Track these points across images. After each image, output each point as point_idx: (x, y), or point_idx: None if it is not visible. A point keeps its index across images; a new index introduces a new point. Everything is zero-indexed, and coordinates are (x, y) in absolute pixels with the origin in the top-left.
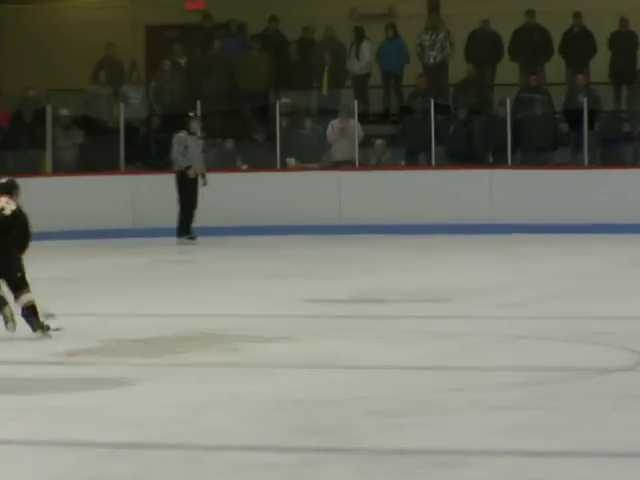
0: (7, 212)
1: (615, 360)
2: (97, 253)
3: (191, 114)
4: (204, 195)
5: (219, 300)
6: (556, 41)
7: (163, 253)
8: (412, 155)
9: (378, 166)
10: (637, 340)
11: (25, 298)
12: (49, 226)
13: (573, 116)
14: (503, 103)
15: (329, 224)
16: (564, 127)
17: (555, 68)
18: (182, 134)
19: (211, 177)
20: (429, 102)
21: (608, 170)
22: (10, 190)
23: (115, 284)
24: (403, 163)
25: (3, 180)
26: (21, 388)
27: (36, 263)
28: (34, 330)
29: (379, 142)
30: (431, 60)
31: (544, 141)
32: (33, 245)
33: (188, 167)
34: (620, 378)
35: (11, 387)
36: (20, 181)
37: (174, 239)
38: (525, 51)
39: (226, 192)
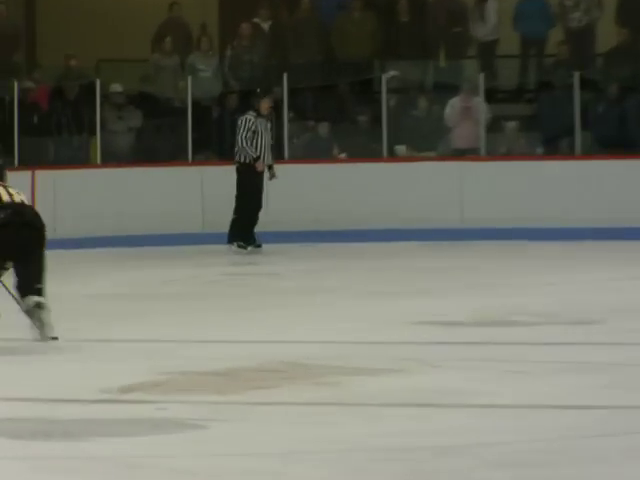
0: (27, 202)
1: None
2: (156, 264)
3: (260, 90)
4: (287, 191)
5: (309, 323)
6: None
7: (238, 264)
8: (551, 141)
9: (509, 155)
10: None
11: (31, 299)
12: (96, 230)
13: None
14: None
15: (447, 227)
16: None
17: None
18: (251, 116)
19: (301, 169)
20: (573, 76)
21: None
22: (2, 176)
23: (179, 302)
24: (540, 151)
25: None
26: (61, 432)
27: (79, 276)
28: (41, 338)
29: (511, 125)
30: (575, 24)
31: None
32: (75, 254)
33: (256, 159)
34: None
35: (48, 431)
36: (62, 173)
37: (252, 247)
38: None
39: (318, 187)
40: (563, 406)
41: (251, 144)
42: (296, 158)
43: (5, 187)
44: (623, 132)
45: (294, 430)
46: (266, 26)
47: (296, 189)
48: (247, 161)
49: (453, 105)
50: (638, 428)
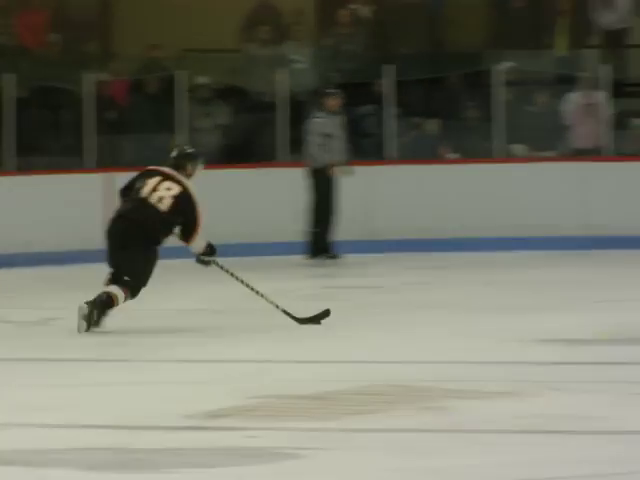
0: (163, 206)
1: None
2: (251, 277)
3: (329, 90)
4: (390, 196)
5: (416, 341)
6: None
7: (338, 276)
8: None
9: (637, 156)
10: None
11: (111, 289)
12: None
13: None
14: None
15: (569, 235)
16: None
17: None
18: (320, 118)
19: (407, 170)
20: None
21: None
22: (179, 165)
23: (274, 319)
24: None
25: (174, 152)
26: (139, 463)
27: (170, 290)
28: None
29: (639, 123)
30: None
31: None
32: (168, 268)
33: (330, 166)
34: None
35: (125, 461)
36: None
37: (357, 257)
38: None
39: (425, 191)
40: None
41: (323, 150)
42: (401, 158)
43: (164, 180)
44: None
45: (396, 460)
46: (367, 12)
47: (400, 193)
48: (318, 167)
49: (571, 101)
50: None
